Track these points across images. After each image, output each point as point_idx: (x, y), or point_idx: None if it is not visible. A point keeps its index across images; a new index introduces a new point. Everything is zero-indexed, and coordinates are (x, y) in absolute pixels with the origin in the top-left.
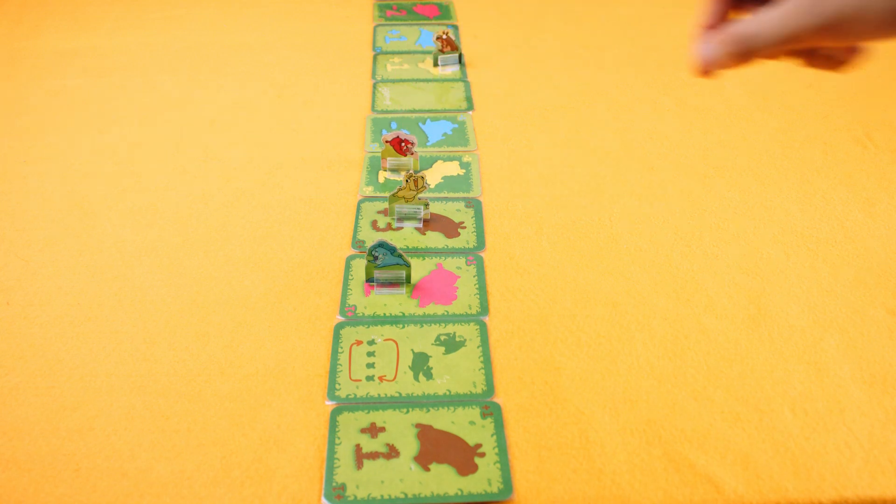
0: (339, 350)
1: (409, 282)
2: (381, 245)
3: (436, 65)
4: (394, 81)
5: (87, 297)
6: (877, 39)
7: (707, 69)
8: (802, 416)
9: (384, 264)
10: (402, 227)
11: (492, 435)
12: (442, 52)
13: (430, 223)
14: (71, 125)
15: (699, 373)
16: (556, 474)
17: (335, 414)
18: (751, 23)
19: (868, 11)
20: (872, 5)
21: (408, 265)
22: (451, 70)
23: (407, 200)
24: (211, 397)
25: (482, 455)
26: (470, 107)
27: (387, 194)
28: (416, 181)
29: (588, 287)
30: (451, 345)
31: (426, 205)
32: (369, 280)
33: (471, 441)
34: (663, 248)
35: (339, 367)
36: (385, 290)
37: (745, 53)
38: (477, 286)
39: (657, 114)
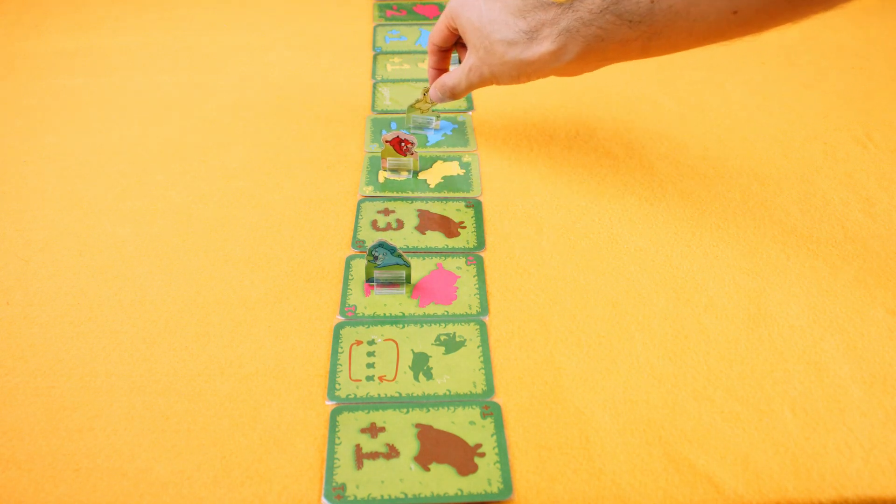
0: (339, 350)
1: (409, 282)
2: (381, 245)
3: None
4: (394, 81)
5: (87, 297)
6: (528, 80)
7: (438, 101)
8: (802, 416)
9: (384, 264)
10: (419, 133)
11: (492, 435)
12: None
13: (430, 223)
14: (71, 125)
15: (699, 373)
16: (556, 474)
17: (335, 414)
18: (450, 77)
19: (497, 75)
20: (497, 72)
21: (408, 265)
22: (451, 69)
23: (422, 112)
24: (211, 397)
25: (482, 455)
26: (470, 107)
27: (387, 194)
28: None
29: (588, 287)
30: (451, 345)
31: (438, 116)
32: (369, 280)
33: (471, 441)
34: (663, 248)
35: (339, 367)
36: (385, 291)
37: (452, 96)
38: (477, 286)
39: (657, 114)
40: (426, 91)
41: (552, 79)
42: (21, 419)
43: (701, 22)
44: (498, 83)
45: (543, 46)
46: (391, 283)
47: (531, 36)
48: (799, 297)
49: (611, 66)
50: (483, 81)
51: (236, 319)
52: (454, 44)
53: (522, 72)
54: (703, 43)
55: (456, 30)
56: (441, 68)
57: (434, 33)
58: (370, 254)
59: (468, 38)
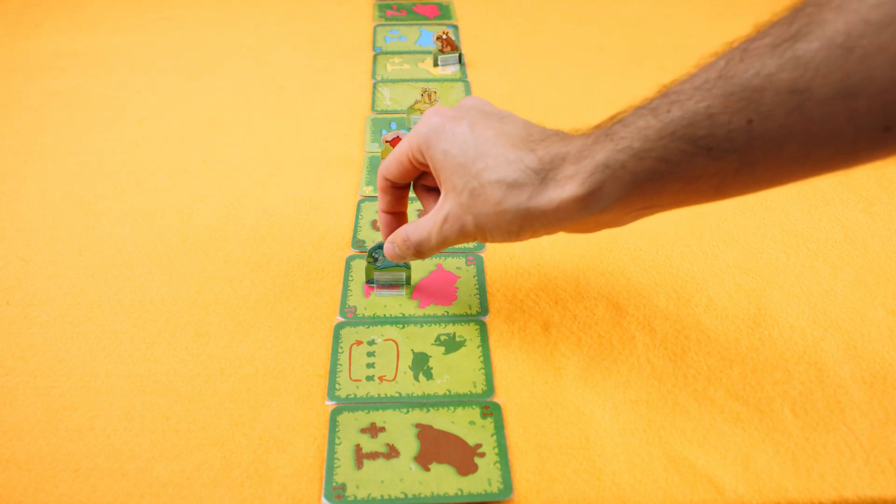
0: (339, 350)
1: (409, 283)
2: (381, 246)
3: (436, 65)
4: (394, 81)
5: (87, 297)
6: (533, 236)
7: (396, 260)
8: (802, 416)
9: (384, 266)
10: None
11: (492, 435)
12: (442, 52)
13: None
14: (71, 125)
15: (699, 373)
16: (556, 474)
17: (335, 414)
18: (415, 230)
19: (487, 229)
20: (488, 224)
21: (408, 267)
22: (451, 70)
23: (422, 112)
24: (211, 397)
25: (482, 455)
26: None
27: None
28: (430, 95)
29: (588, 287)
30: (451, 345)
31: None
32: (369, 281)
33: (471, 441)
34: (663, 248)
35: (339, 367)
36: (385, 292)
37: (418, 254)
38: (477, 286)
39: None
40: (425, 91)
41: (552, 79)
42: (21, 419)
43: (829, 146)
44: (485, 240)
45: (566, 190)
46: (391, 285)
47: (544, 176)
48: (799, 297)
49: (610, 67)
50: (464, 236)
51: (236, 319)
52: (416, 179)
53: (527, 225)
54: (818, 172)
55: (422, 164)
56: (396, 211)
57: (389, 165)
58: (370, 255)
59: (444, 177)
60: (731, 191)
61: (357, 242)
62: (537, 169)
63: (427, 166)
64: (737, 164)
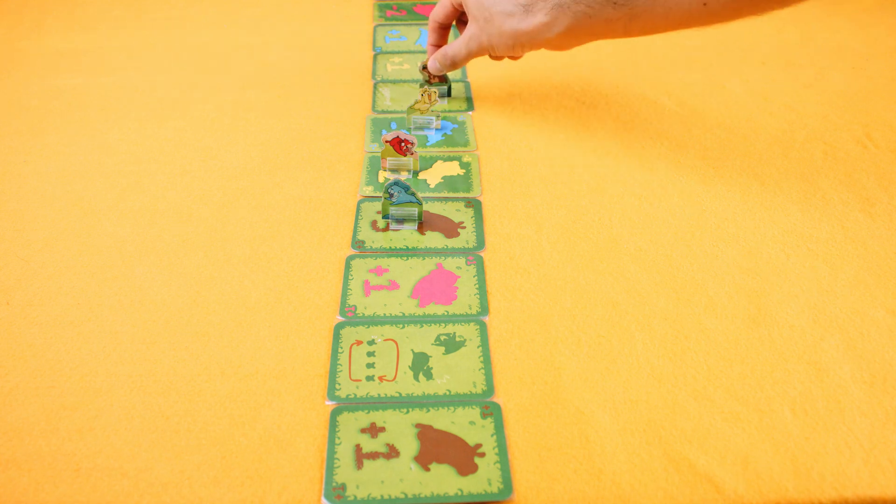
0: (339, 350)
1: (421, 219)
2: (396, 183)
3: None
4: (394, 81)
5: (87, 297)
6: (522, 51)
7: (437, 73)
8: (802, 416)
9: (399, 202)
10: (420, 134)
11: (492, 435)
12: None
13: (430, 223)
14: (71, 125)
15: (699, 373)
16: (556, 474)
17: (335, 414)
18: (451, 48)
19: (494, 44)
20: (495, 42)
21: (420, 203)
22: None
23: (422, 112)
24: (211, 397)
25: (482, 455)
26: (470, 107)
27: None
28: (429, 95)
29: (588, 287)
30: (451, 345)
31: (438, 116)
32: (385, 216)
33: (471, 441)
34: (663, 248)
35: (339, 367)
36: (399, 227)
37: (453, 65)
38: (477, 286)
39: (657, 114)
40: (425, 92)
41: (552, 78)
42: (21, 419)
43: (676, 9)
44: (494, 52)
45: (537, 18)
46: (404, 220)
47: (527, 9)
48: (799, 297)
49: (610, 67)
50: (481, 50)
51: (236, 319)
52: (455, 21)
53: (517, 41)
54: (678, 27)
55: (459, 5)
56: (440, 45)
57: (437, 10)
58: (386, 192)
59: (470, 11)
60: (634, 32)
61: (357, 243)
62: (524, 5)
63: (462, 10)
64: (630, 15)
